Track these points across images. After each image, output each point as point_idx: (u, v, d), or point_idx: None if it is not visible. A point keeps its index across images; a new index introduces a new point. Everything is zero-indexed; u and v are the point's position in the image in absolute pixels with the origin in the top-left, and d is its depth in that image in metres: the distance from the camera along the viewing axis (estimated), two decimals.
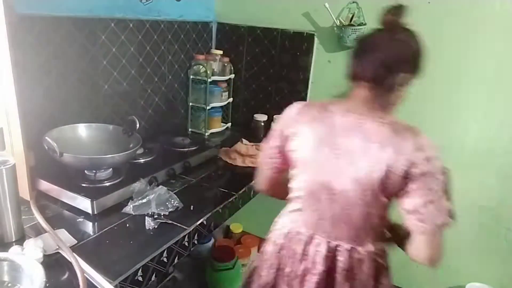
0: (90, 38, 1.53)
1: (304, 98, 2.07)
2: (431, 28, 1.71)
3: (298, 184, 1.08)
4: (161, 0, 1.81)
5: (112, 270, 0.98)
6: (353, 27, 1.79)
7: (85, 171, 1.34)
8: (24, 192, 1.19)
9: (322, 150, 0.99)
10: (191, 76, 2.05)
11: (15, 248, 0.98)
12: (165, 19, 1.86)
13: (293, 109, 1.10)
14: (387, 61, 0.98)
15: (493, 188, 1.75)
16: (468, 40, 1.65)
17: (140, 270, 1.03)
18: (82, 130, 1.47)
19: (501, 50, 1.61)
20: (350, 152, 0.97)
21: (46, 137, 1.24)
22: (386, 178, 0.93)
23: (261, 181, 1.24)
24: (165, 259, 1.13)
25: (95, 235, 1.14)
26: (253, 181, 1.60)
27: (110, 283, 0.93)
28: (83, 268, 0.95)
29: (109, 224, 1.18)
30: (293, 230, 1.10)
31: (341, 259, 1.04)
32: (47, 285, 0.88)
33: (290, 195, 1.13)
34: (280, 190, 1.21)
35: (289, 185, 1.12)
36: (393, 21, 1.07)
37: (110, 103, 1.68)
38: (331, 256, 1.05)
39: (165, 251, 1.12)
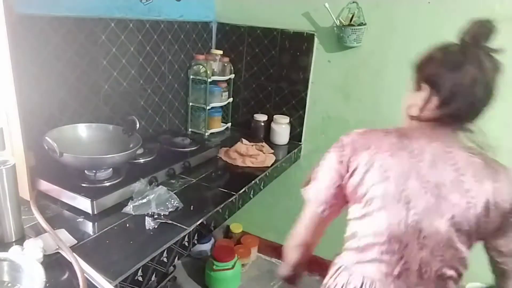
0: (90, 38, 1.53)
1: (304, 98, 2.07)
2: (431, 28, 1.72)
3: (372, 227, 0.86)
4: (161, 0, 1.81)
5: (112, 270, 0.98)
6: (353, 27, 1.79)
7: (85, 171, 1.34)
8: (24, 192, 1.19)
9: (410, 183, 0.81)
10: (191, 76, 2.06)
11: (15, 248, 0.98)
12: (165, 19, 1.86)
13: (355, 136, 0.92)
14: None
15: None
16: None
17: (140, 270, 1.03)
18: (82, 130, 1.47)
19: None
20: (441, 185, 0.81)
21: (46, 137, 1.24)
22: (484, 216, 0.81)
23: (304, 231, 1.02)
24: (165, 259, 1.13)
25: (95, 235, 1.14)
26: (252, 183, 1.60)
27: (110, 283, 0.93)
28: (83, 268, 0.95)
29: (109, 224, 1.19)
30: None
31: None
32: (47, 285, 0.88)
33: (354, 243, 0.92)
34: (318, 239, 1.06)
35: (350, 230, 0.94)
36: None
37: (110, 103, 1.69)
38: None
39: (165, 251, 1.12)
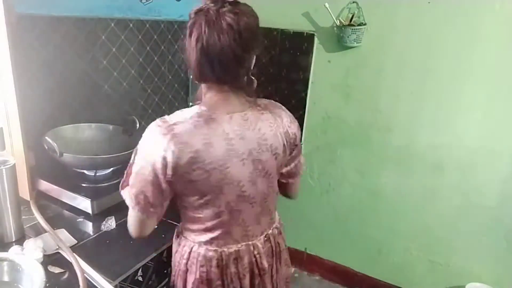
0: (90, 38, 1.53)
1: (304, 98, 2.07)
2: (431, 28, 1.72)
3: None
4: (161, 0, 1.81)
5: (112, 270, 0.98)
6: (353, 27, 1.79)
7: (85, 171, 1.34)
8: (24, 192, 1.19)
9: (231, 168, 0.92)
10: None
11: (15, 248, 0.98)
12: (165, 19, 1.86)
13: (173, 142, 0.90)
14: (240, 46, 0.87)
15: (493, 188, 1.75)
16: (468, 40, 1.65)
17: (140, 270, 1.03)
18: (82, 130, 1.47)
19: (501, 50, 1.61)
20: (253, 151, 0.93)
21: (46, 137, 1.24)
22: (285, 155, 1.01)
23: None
24: (165, 259, 1.13)
25: (95, 235, 1.14)
26: None
27: (110, 283, 0.94)
28: (83, 268, 0.95)
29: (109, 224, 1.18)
30: None
31: None
32: (47, 285, 0.88)
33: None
34: None
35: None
36: None
37: (110, 103, 1.68)
38: None
39: (165, 251, 1.12)
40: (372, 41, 1.83)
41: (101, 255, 1.04)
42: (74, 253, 0.98)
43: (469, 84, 1.70)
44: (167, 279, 1.19)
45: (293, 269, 2.35)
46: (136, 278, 1.02)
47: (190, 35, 0.86)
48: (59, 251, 1.02)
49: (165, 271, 1.18)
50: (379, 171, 1.99)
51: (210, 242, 0.97)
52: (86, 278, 0.93)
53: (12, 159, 1.05)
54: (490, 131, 1.70)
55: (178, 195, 0.94)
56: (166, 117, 0.93)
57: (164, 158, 0.85)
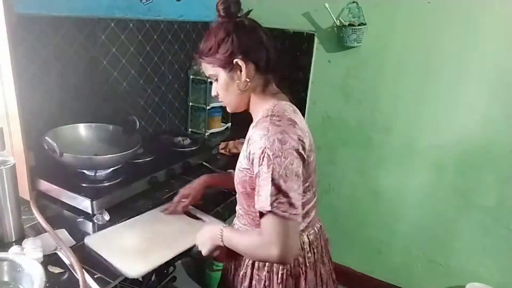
0: (90, 38, 1.53)
1: (304, 98, 2.07)
2: (431, 28, 1.72)
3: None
4: (161, 0, 1.81)
5: (112, 270, 0.98)
6: (353, 27, 1.79)
7: (85, 171, 1.34)
8: (24, 192, 1.19)
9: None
10: (191, 76, 2.05)
11: (15, 248, 0.98)
12: (165, 19, 1.86)
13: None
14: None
15: (493, 188, 1.75)
16: (468, 40, 1.65)
17: None
18: (82, 130, 1.47)
19: (501, 50, 1.61)
20: None
21: (46, 137, 1.24)
22: None
23: (295, 241, 0.90)
24: None
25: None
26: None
27: (110, 283, 0.93)
28: (83, 268, 0.95)
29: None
30: None
31: None
32: (47, 285, 0.88)
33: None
34: None
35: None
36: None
37: (110, 103, 1.68)
38: None
39: None
40: (372, 41, 1.83)
41: (101, 255, 1.04)
42: (74, 253, 0.98)
43: (469, 84, 1.70)
44: (167, 279, 1.19)
45: None
46: (136, 278, 1.02)
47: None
48: (59, 251, 1.02)
49: (165, 271, 1.19)
50: (379, 171, 1.99)
51: (308, 227, 1.03)
52: (86, 278, 0.93)
53: (12, 159, 1.05)
54: (490, 131, 1.70)
55: None
56: (271, 113, 0.92)
57: (302, 146, 0.88)
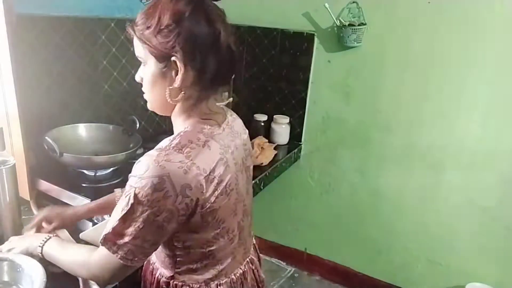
0: (90, 38, 1.53)
1: (304, 98, 2.07)
2: (431, 28, 1.72)
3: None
4: None
5: None
6: (353, 27, 1.79)
7: (85, 171, 1.34)
8: (24, 192, 1.19)
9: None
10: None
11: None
12: None
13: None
14: None
15: (493, 188, 1.75)
16: (468, 40, 1.65)
17: (140, 270, 1.03)
18: (82, 130, 1.47)
19: (501, 50, 1.61)
20: (243, 159, 0.90)
21: (46, 137, 1.24)
22: None
23: (117, 279, 0.84)
24: None
25: None
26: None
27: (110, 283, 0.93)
28: None
29: None
30: None
31: None
32: (47, 285, 0.88)
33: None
34: None
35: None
36: None
37: (110, 103, 1.68)
38: None
39: None
40: (372, 41, 1.83)
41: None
42: None
43: (469, 84, 1.70)
44: None
45: (293, 269, 2.35)
46: (136, 278, 1.02)
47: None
48: None
49: None
50: (379, 171, 1.99)
51: (219, 275, 0.85)
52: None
53: (12, 159, 1.04)
54: (490, 131, 1.70)
55: (180, 235, 0.78)
56: (169, 143, 0.73)
57: (189, 196, 0.70)
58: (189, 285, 0.85)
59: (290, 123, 2.09)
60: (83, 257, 0.81)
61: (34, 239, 0.93)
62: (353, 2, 1.80)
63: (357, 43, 1.83)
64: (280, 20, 2.01)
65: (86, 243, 1.05)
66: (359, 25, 1.79)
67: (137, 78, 0.83)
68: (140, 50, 0.78)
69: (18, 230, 1.07)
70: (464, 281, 1.87)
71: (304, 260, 2.34)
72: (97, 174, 1.33)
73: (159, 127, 1.98)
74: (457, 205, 1.85)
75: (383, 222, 2.05)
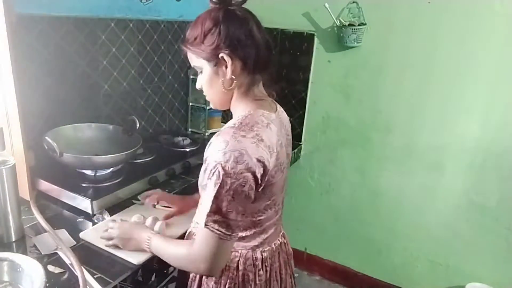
0: (90, 38, 1.53)
1: (304, 98, 2.07)
2: (431, 28, 1.72)
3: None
4: (161, 0, 1.81)
5: (112, 270, 0.98)
6: (353, 27, 1.79)
7: (85, 171, 1.34)
8: (24, 192, 1.19)
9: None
10: (191, 76, 2.05)
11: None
12: (165, 19, 1.86)
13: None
14: None
15: (493, 188, 1.75)
16: (468, 40, 1.65)
17: (140, 270, 1.03)
18: (82, 130, 1.47)
19: (501, 50, 1.61)
20: (287, 145, 1.00)
21: (46, 137, 1.24)
22: None
23: (224, 259, 0.93)
24: None
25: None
26: None
27: (110, 283, 0.93)
28: (83, 268, 0.95)
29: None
30: None
31: None
32: (47, 285, 0.88)
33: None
34: None
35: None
36: None
37: (110, 103, 1.68)
38: None
39: None
40: (372, 41, 1.83)
41: (101, 255, 1.04)
42: (74, 253, 0.98)
43: (469, 84, 1.70)
44: (167, 279, 1.19)
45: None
46: (136, 278, 1.02)
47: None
48: (59, 251, 1.02)
49: (165, 271, 1.18)
50: (379, 171, 1.99)
51: (263, 243, 0.98)
52: (86, 278, 0.93)
53: (12, 159, 1.04)
54: (490, 131, 1.70)
55: None
56: (239, 124, 0.84)
57: (263, 168, 0.81)
58: (237, 251, 0.95)
59: (290, 123, 2.08)
60: (183, 249, 0.89)
61: (138, 240, 1.00)
62: (353, 2, 1.80)
63: (357, 43, 1.83)
64: (280, 20, 2.01)
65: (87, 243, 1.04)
66: (359, 25, 1.79)
67: (198, 86, 0.96)
68: (194, 60, 0.91)
69: (18, 230, 1.08)
70: (464, 281, 1.87)
71: (304, 260, 2.34)
72: (97, 174, 1.33)
73: (159, 127, 1.98)
74: (457, 205, 1.85)
75: (383, 222, 2.05)
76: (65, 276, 0.95)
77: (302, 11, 1.95)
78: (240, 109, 0.91)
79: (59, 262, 0.99)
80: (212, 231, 0.80)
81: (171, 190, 1.40)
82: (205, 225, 0.80)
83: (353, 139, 2.02)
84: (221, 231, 0.80)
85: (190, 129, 2.16)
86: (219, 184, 0.78)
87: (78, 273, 0.92)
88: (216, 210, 0.80)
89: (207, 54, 0.86)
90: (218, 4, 0.87)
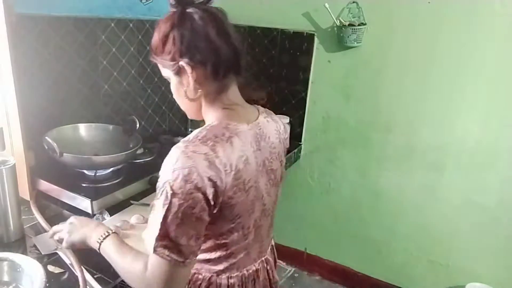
0: (90, 38, 1.53)
1: (304, 98, 2.07)
2: (431, 28, 1.72)
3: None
4: (161, 0, 1.81)
5: (112, 270, 0.98)
6: (353, 27, 1.79)
7: (85, 171, 1.34)
8: (24, 192, 1.19)
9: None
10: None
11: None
12: None
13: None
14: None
15: (493, 188, 1.75)
16: (468, 40, 1.65)
17: None
18: (82, 130, 1.47)
19: (501, 50, 1.61)
20: (265, 160, 0.89)
21: (46, 137, 1.24)
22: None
23: (180, 284, 0.82)
24: None
25: None
26: None
27: (110, 283, 0.93)
28: (83, 268, 0.95)
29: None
30: None
31: None
32: (47, 285, 0.88)
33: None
34: None
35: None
36: None
37: (110, 103, 1.69)
38: None
39: None
40: (372, 41, 1.83)
41: (101, 255, 1.04)
42: (74, 253, 0.98)
43: (469, 84, 1.70)
44: None
45: (293, 269, 2.35)
46: None
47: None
48: (59, 251, 1.02)
49: None
50: (379, 171, 1.99)
51: (230, 268, 0.88)
52: (86, 278, 0.93)
53: (12, 159, 1.04)
54: (490, 131, 1.70)
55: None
56: (193, 137, 0.76)
57: (214, 188, 0.73)
58: (201, 274, 0.87)
59: (290, 123, 2.09)
60: (139, 267, 0.77)
61: (94, 230, 0.91)
62: (353, 2, 1.80)
63: (357, 43, 1.83)
64: (280, 20, 2.01)
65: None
66: (359, 25, 1.79)
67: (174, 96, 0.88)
68: (162, 69, 0.84)
69: (18, 230, 1.08)
70: (464, 281, 1.87)
71: (304, 260, 2.34)
72: (97, 174, 1.33)
73: (159, 127, 1.98)
74: (457, 205, 1.85)
75: (383, 222, 2.05)
76: (65, 276, 0.95)
77: (302, 11, 1.95)
78: (208, 119, 0.84)
79: (59, 262, 0.99)
80: (162, 257, 0.72)
81: None
82: (154, 250, 0.72)
83: (353, 139, 2.02)
84: (172, 257, 0.72)
85: (190, 129, 2.16)
86: (166, 206, 0.70)
87: (78, 273, 0.93)
88: (165, 234, 0.71)
89: (168, 65, 0.79)
90: (175, 6, 0.80)
